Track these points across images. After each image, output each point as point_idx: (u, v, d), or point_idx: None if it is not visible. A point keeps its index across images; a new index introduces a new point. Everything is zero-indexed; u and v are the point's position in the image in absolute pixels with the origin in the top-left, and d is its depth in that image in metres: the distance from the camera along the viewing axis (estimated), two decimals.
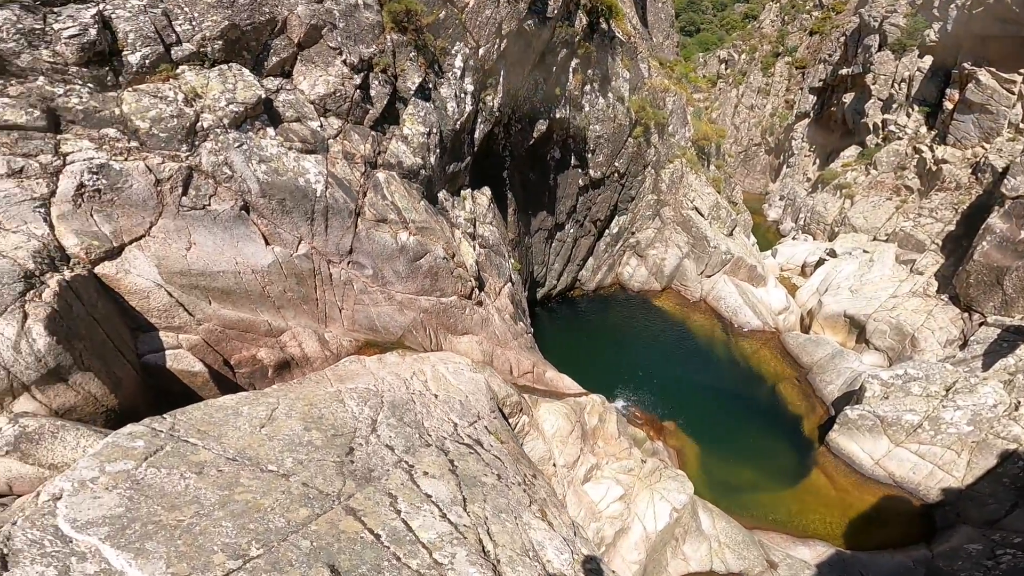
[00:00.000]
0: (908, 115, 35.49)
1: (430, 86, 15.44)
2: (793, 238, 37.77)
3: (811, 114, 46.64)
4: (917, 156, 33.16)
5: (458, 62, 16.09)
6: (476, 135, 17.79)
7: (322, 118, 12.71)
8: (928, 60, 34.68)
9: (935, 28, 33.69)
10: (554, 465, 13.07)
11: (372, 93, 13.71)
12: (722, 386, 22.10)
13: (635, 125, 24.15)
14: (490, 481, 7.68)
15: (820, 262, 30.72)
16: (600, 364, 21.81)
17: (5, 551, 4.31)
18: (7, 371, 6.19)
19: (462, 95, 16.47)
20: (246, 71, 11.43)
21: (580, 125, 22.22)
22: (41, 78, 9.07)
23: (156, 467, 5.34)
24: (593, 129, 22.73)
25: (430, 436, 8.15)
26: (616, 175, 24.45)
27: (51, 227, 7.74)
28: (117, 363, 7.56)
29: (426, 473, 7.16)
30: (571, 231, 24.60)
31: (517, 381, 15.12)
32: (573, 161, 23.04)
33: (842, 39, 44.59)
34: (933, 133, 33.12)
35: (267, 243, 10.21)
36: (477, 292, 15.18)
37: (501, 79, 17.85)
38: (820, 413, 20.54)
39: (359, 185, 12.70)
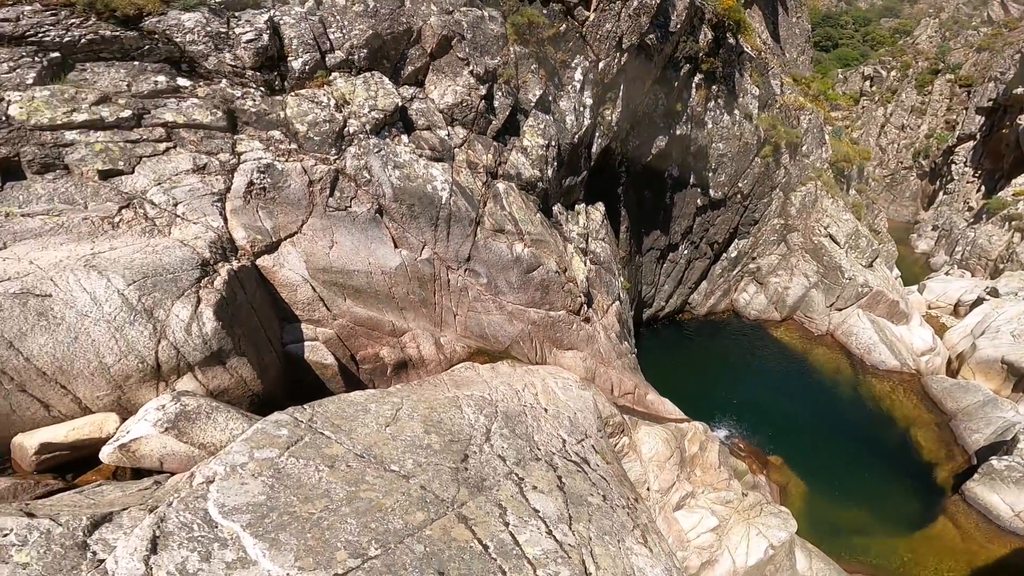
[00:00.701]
0: None
1: (550, 99, 15.51)
2: (946, 273, 33.61)
3: (977, 136, 41.18)
4: None
5: (578, 75, 16.04)
6: (593, 149, 17.60)
7: (449, 127, 13.15)
8: None
9: None
10: (648, 489, 12.85)
11: (495, 104, 13.99)
12: (842, 425, 20.73)
13: (763, 144, 22.62)
14: (596, 501, 7.56)
15: (978, 301, 27.32)
16: (705, 391, 20.92)
17: (158, 534, 4.53)
18: (177, 351, 6.87)
19: (581, 108, 16.37)
20: (386, 79, 12.09)
21: (702, 143, 21.22)
22: (224, 81, 10.13)
23: (296, 457, 5.62)
24: (716, 147, 21.60)
25: (539, 450, 8.05)
26: (739, 196, 23.03)
27: (225, 220, 8.54)
28: (266, 350, 8.20)
29: (535, 487, 7.10)
30: (685, 252, 23.51)
31: (617, 401, 14.74)
32: (692, 180, 22.05)
33: (1017, 56, 39.26)
34: None
35: (395, 246, 10.68)
36: (585, 308, 14.90)
37: (620, 93, 17.55)
38: (959, 461, 19.13)
39: (480, 194, 12.94)
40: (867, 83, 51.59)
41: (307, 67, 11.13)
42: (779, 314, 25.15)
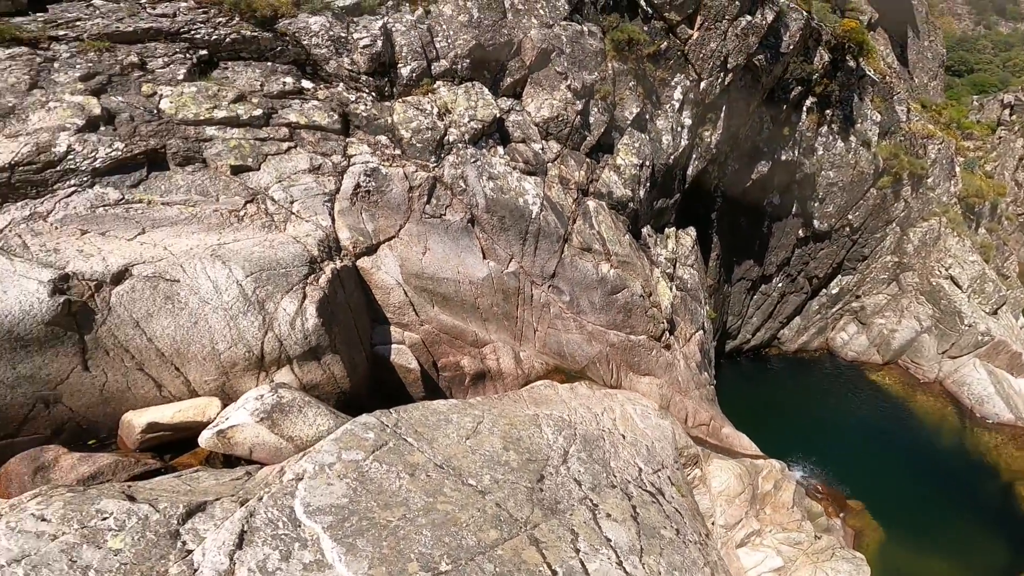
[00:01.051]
0: None
1: (647, 117, 15.14)
2: None
3: None
4: None
5: (677, 94, 15.55)
6: (689, 171, 16.99)
7: (544, 141, 13.17)
8: None
9: None
10: (712, 523, 12.33)
11: (591, 120, 13.86)
12: (938, 474, 19.62)
13: (881, 174, 20.85)
14: (668, 535, 7.34)
15: None
16: (786, 429, 19.86)
17: (245, 528, 4.59)
18: (280, 343, 7.25)
19: (679, 128, 15.84)
20: (486, 90, 12.28)
21: (809, 170, 19.90)
22: (341, 84, 10.70)
23: (379, 462, 5.72)
24: (825, 175, 20.18)
25: (615, 477, 7.87)
26: (847, 229, 21.39)
27: (332, 220, 8.93)
28: (357, 349, 8.49)
29: (609, 515, 6.94)
30: (779, 285, 22.14)
31: (691, 431, 14.23)
32: (795, 209, 20.73)
33: None
34: None
35: (484, 257, 10.80)
36: (667, 335, 14.40)
37: (722, 114, 16.82)
38: None
39: (570, 211, 12.85)
40: (1006, 111, 46.18)
41: (414, 74, 11.54)
42: (881, 357, 23.33)
